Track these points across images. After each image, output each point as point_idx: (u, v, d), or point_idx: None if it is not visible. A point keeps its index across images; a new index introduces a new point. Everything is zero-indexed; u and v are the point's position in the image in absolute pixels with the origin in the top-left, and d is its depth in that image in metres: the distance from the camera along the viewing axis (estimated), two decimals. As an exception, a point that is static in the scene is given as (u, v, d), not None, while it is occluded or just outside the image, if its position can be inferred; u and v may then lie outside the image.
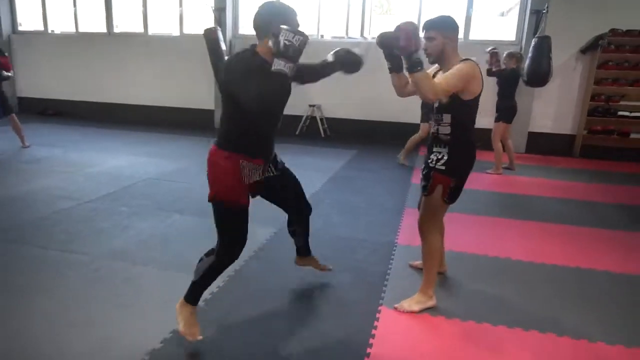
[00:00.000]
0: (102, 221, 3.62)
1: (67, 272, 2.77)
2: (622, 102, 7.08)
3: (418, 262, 2.84)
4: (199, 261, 2.20)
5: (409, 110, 6.98)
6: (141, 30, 9.37)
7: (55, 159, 5.79)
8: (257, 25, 2.03)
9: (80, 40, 9.74)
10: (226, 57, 7.80)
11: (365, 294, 2.62)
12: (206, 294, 2.46)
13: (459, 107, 2.25)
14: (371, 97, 8.01)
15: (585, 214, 4.28)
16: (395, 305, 2.44)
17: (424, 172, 2.45)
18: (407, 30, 2.02)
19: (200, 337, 2.08)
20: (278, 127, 2.19)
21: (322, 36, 8.49)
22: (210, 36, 7.64)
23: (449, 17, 2.31)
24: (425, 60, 2.19)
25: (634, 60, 6.94)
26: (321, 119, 8.48)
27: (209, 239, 3.33)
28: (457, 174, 2.35)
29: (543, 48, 6.23)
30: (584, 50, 7.18)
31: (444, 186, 2.34)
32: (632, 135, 7.08)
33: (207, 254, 2.20)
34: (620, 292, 2.76)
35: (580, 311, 2.51)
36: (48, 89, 10.06)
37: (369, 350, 2.08)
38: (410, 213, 4.10)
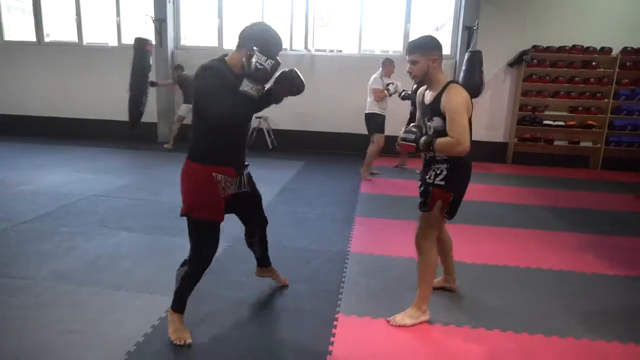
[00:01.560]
0: (42, 243, 3.43)
1: (5, 297, 2.60)
2: (546, 112, 7.72)
3: (437, 280, 2.75)
4: (177, 270, 2.26)
5: (350, 121, 7.22)
6: (75, 39, 8.96)
7: (-17, 177, 5.39)
8: (240, 37, 2.10)
9: (6, 50, 9.13)
10: (150, 73, 7.71)
11: (321, 302, 2.68)
12: (161, 312, 2.43)
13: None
14: (315, 108, 8.16)
15: (521, 216, 4.62)
16: (388, 319, 2.45)
17: (421, 189, 2.45)
18: (403, 145, 2.37)
19: (190, 340, 2.18)
20: (246, 137, 2.26)
21: (266, 48, 8.54)
22: (140, 47, 7.45)
23: (430, 38, 2.33)
24: (408, 83, 2.33)
25: (553, 74, 7.59)
26: (268, 131, 8.50)
27: (159, 255, 3.30)
28: (457, 189, 2.37)
29: (475, 61, 6.69)
30: (511, 64, 7.76)
31: (444, 201, 2.36)
32: (556, 143, 7.72)
33: (182, 264, 2.26)
34: (566, 288, 3.01)
35: (534, 308, 2.72)
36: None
37: (328, 357, 2.14)
38: (361, 222, 4.24)
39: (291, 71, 2.18)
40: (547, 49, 7.51)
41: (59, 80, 8.97)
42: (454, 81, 2.34)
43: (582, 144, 7.74)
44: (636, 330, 2.48)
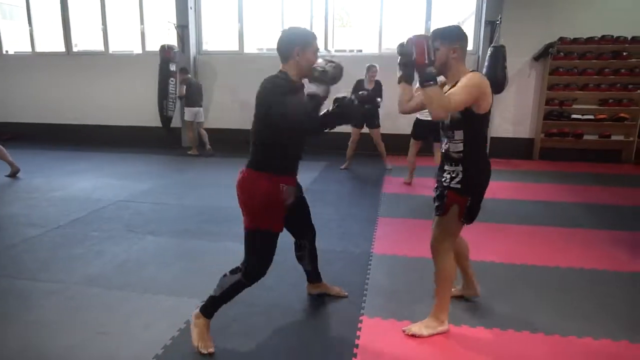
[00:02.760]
0: (73, 247, 3.54)
1: (39, 300, 2.70)
2: (574, 106, 7.49)
3: (455, 289, 2.67)
4: (222, 277, 2.23)
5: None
6: (102, 48, 9.21)
7: (18, 185, 5.60)
8: (279, 50, 2.16)
9: (37, 61, 9.47)
10: (172, 79, 7.95)
11: (345, 304, 2.68)
12: (187, 315, 2.47)
13: (472, 121, 2.15)
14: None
15: (549, 214, 4.50)
16: (404, 329, 2.36)
17: (437, 192, 2.33)
18: (420, 44, 1.97)
19: (212, 350, 2.16)
20: (305, 145, 2.30)
21: (286, 50, 8.59)
22: (162, 54, 7.81)
23: (454, 27, 2.23)
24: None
25: (581, 66, 7.36)
26: (290, 132, 8.53)
27: (184, 259, 3.36)
28: (474, 192, 2.24)
29: (498, 57, 6.56)
30: (536, 58, 7.56)
31: (461, 206, 2.22)
32: (585, 137, 7.49)
33: (232, 272, 2.22)
34: (593, 288, 2.92)
35: (566, 309, 2.64)
36: (3, 113, 9.69)
37: (353, 359, 2.13)
38: (384, 223, 4.21)
39: (349, 102, 2.15)
40: (575, 40, 7.28)
41: (87, 89, 9.23)
42: (475, 71, 2.21)
43: (614, 137, 7.47)
44: (674, 332, 2.38)
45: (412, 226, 4.14)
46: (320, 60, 2.07)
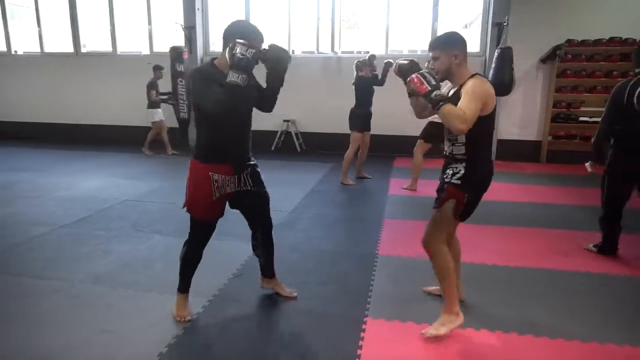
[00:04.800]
0: (79, 246, 3.56)
1: (43, 298, 2.71)
2: (582, 108, 7.44)
3: (433, 288, 2.73)
4: (181, 251, 2.48)
5: (376, 122, 7.14)
6: (110, 49, 9.28)
7: (25, 184, 5.64)
8: (223, 38, 2.21)
9: (45, 61, 9.55)
10: (180, 79, 8.05)
11: (350, 305, 2.67)
12: (193, 313, 2.48)
13: (476, 124, 2.12)
14: (342, 110, 8.13)
15: (554, 216, 4.47)
16: (422, 331, 2.33)
17: (438, 187, 2.36)
18: (415, 80, 2.08)
19: (189, 318, 2.41)
20: (246, 133, 2.32)
21: (293, 52, 8.61)
22: (172, 54, 7.87)
23: (452, 33, 2.30)
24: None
25: (590, 68, 7.31)
26: (296, 134, 8.55)
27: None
28: (473, 189, 2.27)
29: (505, 58, 6.52)
30: (543, 60, 7.52)
31: (458, 201, 2.26)
32: (594, 139, 7.41)
33: (184, 245, 2.48)
34: (598, 291, 2.90)
35: (568, 312, 2.62)
36: (13, 112, 9.78)
37: (357, 361, 2.13)
38: (389, 224, 4.20)
39: (270, 46, 2.24)
40: (582, 42, 7.24)
41: (95, 89, 9.30)
42: (479, 74, 2.24)
43: (621, 140, 7.41)
44: (682, 337, 2.35)
45: (417, 228, 4.08)
46: (239, 49, 1.99)
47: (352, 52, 8.45)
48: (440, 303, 2.55)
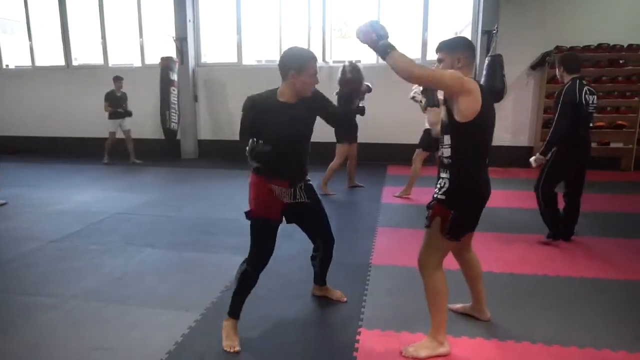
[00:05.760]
0: (71, 261, 3.52)
1: (36, 315, 2.68)
2: (572, 114, 7.49)
3: (458, 306, 2.63)
4: (236, 271, 2.42)
5: (368, 130, 7.18)
6: (101, 61, 9.27)
7: (17, 199, 5.58)
8: (279, 69, 2.28)
9: (37, 75, 9.53)
10: (173, 88, 8.07)
11: (344, 315, 2.66)
12: (184, 328, 2.45)
13: (456, 129, 2.09)
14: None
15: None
16: (401, 349, 2.26)
17: (427, 204, 2.26)
18: (361, 29, 2.06)
19: (238, 349, 2.28)
20: (303, 154, 2.39)
21: (285, 62, 8.63)
22: (164, 63, 7.92)
23: (461, 38, 2.32)
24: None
25: (579, 74, 7.38)
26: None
27: (183, 271, 3.34)
28: (459, 206, 2.11)
29: (496, 66, 6.57)
30: (533, 67, 7.60)
31: (443, 219, 2.12)
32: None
33: (241, 265, 2.41)
34: (593, 297, 2.90)
35: (565, 318, 2.62)
36: (4, 127, 9.72)
37: (352, 372, 2.11)
38: (383, 233, 4.20)
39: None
40: (571, 49, 7.32)
41: (86, 102, 9.25)
42: (477, 80, 2.19)
43: (613, 144, 7.48)
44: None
45: (411, 236, 4.12)
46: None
47: (343, 62, 8.49)
48: (455, 317, 2.55)
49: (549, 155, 3.76)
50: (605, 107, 7.37)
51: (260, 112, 2.26)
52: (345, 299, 2.83)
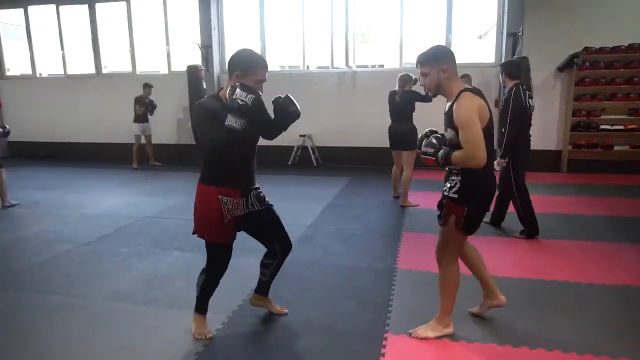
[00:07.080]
0: (101, 263, 3.62)
1: (67, 315, 2.76)
2: (602, 116, 7.31)
3: (475, 309, 2.66)
4: (198, 278, 2.50)
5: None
6: (129, 69, 9.52)
7: (50, 202, 5.78)
8: (228, 66, 2.23)
9: (68, 83, 9.85)
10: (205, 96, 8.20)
11: (370, 321, 2.64)
12: (212, 331, 2.48)
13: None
14: (358, 124, 8.18)
15: (575, 228, 4.37)
16: (410, 331, 2.44)
17: (439, 202, 2.38)
18: (423, 159, 2.28)
19: (210, 335, 2.42)
20: (249, 160, 2.32)
21: (307, 67, 8.70)
22: (193, 74, 8.05)
23: (437, 47, 2.27)
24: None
25: (609, 76, 7.20)
26: (312, 148, 8.59)
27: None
28: (472, 203, 2.24)
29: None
30: (561, 69, 7.43)
31: (458, 215, 2.24)
32: (616, 148, 7.28)
33: (201, 273, 2.49)
34: (622, 305, 2.81)
35: (582, 325, 2.56)
36: (38, 132, 10.07)
37: (379, 378, 2.10)
38: (408, 237, 4.16)
39: (284, 100, 2.28)
40: (600, 50, 7.14)
41: (117, 108, 9.50)
42: (468, 88, 2.19)
43: (645, 147, 7.25)
44: None
45: (436, 241, 4.07)
46: (239, 93, 1.98)
47: (366, 67, 8.50)
48: (474, 323, 2.56)
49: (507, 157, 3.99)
50: (637, 109, 7.15)
51: (204, 118, 2.16)
52: (286, 311, 2.72)
